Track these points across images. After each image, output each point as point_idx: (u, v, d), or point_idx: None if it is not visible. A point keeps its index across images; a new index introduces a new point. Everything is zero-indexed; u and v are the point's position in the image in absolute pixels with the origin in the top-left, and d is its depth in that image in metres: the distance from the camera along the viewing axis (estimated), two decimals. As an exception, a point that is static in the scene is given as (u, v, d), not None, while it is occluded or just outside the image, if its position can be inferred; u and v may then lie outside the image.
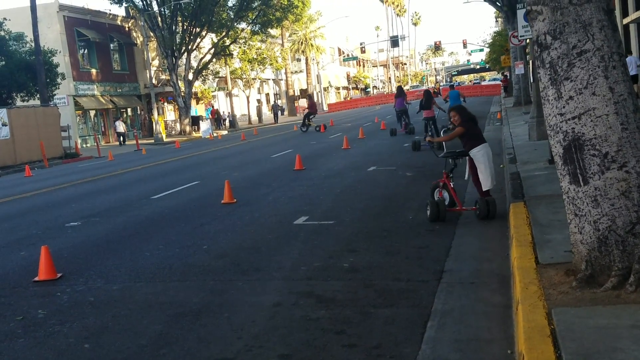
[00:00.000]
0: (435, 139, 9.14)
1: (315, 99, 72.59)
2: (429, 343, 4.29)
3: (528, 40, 18.55)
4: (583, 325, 3.70)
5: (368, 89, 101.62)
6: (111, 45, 43.31)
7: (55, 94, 32.95)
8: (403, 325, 4.65)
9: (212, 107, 51.52)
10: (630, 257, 4.22)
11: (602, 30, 4.29)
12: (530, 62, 21.21)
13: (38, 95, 31.16)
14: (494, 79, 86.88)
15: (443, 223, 7.86)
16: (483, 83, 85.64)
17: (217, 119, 50.04)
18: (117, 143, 38.38)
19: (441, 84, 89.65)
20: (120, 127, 38.82)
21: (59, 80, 33.15)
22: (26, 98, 31.93)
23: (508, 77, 45.07)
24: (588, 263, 4.40)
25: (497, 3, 30.11)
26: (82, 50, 40.82)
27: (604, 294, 4.12)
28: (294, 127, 39.12)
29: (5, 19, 31.57)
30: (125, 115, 44.63)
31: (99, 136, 39.26)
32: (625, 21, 23.38)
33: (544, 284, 4.52)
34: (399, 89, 24.51)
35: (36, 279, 6.82)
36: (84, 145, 37.87)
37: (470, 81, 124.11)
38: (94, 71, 41.04)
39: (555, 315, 3.89)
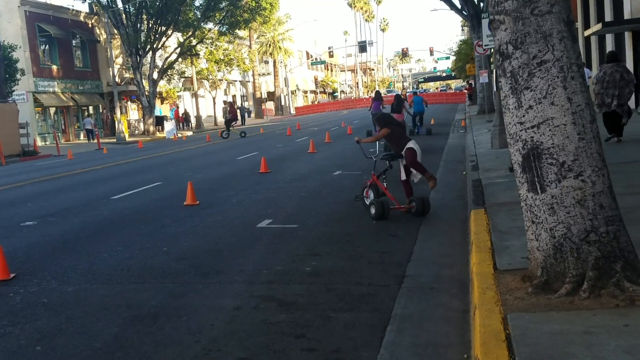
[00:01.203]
0: (363, 140, 9.53)
1: (283, 102, 72.74)
2: (388, 347, 4.30)
3: (492, 50, 18.91)
4: (537, 330, 3.75)
5: (336, 94, 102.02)
6: (73, 41, 42.50)
7: (14, 90, 32.15)
8: (363, 330, 4.65)
9: (177, 107, 50.93)
10: (584, 265, 4.31)
11: (562, 41, 4.38)
12: (495, 71, 21.67)
13: (-4, 91, 30.38)
14: (458, 88, 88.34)
15: (406, 228, 7.92)
16: (449, 91, 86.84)
17: (185, 120, 49.66)
18: (86, 140, 38.26)
19: (407, 90, 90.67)
20: (89, 124, 39.02)
21: (18, 76, 32.38)
22: (-16, 94, 31.08)
23: (473, 85, 45.79)
24: (544, 269, 4.47)
25: (464, 12, 30.57)
26: (43, 46, 39.97)
27: (558, 300, 4.19)
28: (261, 129, 38.99)
29: (-36, 12, 30.72)
30: (86, 113, 43.84)
31: (59, 134, 38.46)
32: (586, 33, 24.02)
33: (501, 290, 4.58)
34: (377, 93, 25.56)
35: (-12, 279, 6.62)
36: (43, 143, 37.05)
37: (437, 88, 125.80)
38: (54, 67, 40.20)
39: (510, 321, 3.94)
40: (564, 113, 4.35)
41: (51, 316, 5.40)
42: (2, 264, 6.67)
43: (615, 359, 3.30)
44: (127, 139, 37.90)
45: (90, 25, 44.12)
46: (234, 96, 65.36)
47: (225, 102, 34.52)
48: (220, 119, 54.43)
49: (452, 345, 4.29)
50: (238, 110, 41.03)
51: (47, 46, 40.41)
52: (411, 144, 8.81)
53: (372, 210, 8.57)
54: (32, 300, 5.91)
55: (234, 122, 31.63)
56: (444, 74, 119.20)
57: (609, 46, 22.71)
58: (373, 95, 26.23)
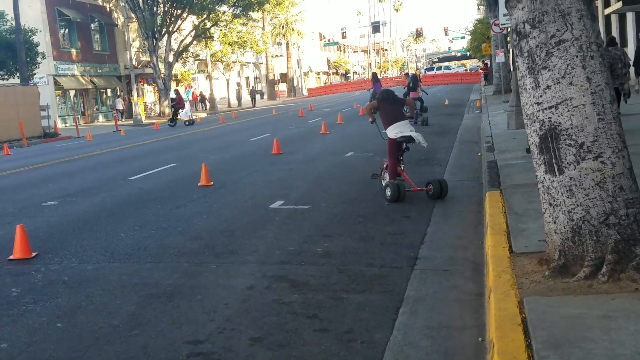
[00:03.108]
0: (370, 118, 9.29)
1: (295, 84, 72.48)
2: (401, 329, 4.30)
3: (509, 29, 18.64)
4: (554, 314, 3.72)
5: (348, 75, 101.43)
6: (92, 25, 42.68)
7: (35, 73, 32.50)
8: (375, 311, 4.65)
9: (192, 89, 51.14)
10: (603, 248, 4.25)
11: (581, 20, 4.29)
12: (511, 50, 21.48)
13: (18, 74, 30.66)
14: (473, 68, 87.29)
15: (419, 210, 7.89)
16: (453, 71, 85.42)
17: (201, 100, 50.00)
18: (106, 121, 39.67)
19: (421, 71, 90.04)
20: (120, 104, 40.21)
21: (39, 59, 32.61)
22: (6, 77, 31.42)
23: (489, 65, 45.27)
24: (561, 253, 4.43)
25: (480, -9, 30.14)
26: (63, 29, 40.23)
27: (576, 284, 4.15)
28: (273, 111, 38.95)
29: (-15, -4, 30.90)
30: (104, 96, 44.09)
31: (78, 116, 38.77)
32: (607, 11, 23.58)
33: (517, 273, 4.55)
34: (374, 75, 29.25)
35: (11, 257, 6.74)
36: (63, 125, 37.41)
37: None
38: (74, 51, 40.43)
39: (527, 304, 3.91)
40: (583, 93, 4.27)
41: (71, 294, 5.48)
42: (24, 243, 6.78)
43: (634, 343, 3.25)
44: (144, 121, 38.05)
45: (108, 9, 44.22)
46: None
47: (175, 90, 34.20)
48: (234, 100, 54.35)
49: (466, 327, 4.27)
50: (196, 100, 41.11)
51: (67, 30, 40.61)
52: (389, 129, 8.60)
53: (388, 192, 8.47)
54: (53, 278, 5.99)
55: (179, 111, 31.48)
56: (459, 54, 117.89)
57: (630, 25, 22.29)
58: (371, 77, 29.61)
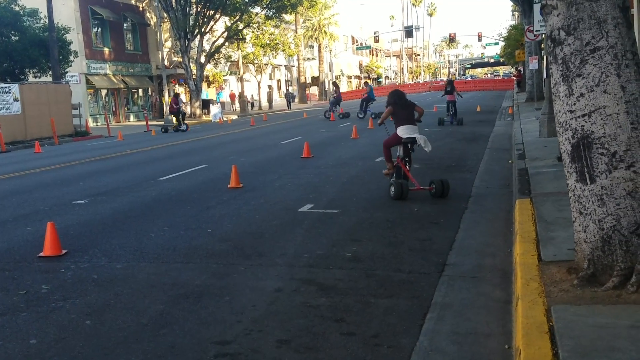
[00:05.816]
0: (379, 121, 9.86)
1: (327, 87, 72.63)
2: (427, 335, 4.30)
3: (543, 36, 18.43)
4: (582, 323, 3.69)
5: (380, 79, 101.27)
6: (124, 24, 43.28)
7: (67, 72, 32.95)
8: (402, 316, 4.66)
9: (224, 91, 51.91)
10: (633, 258, 4.20)
11: (616, 28, 4.24)
12: (545, 57, 21.29)
13: (50, 72, 31.13)
14: (506, 75, 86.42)
15: (448, 216, 7.86)
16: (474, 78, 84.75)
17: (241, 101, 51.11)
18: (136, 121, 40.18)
19: (455, 76, 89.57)
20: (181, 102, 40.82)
21: (71, 57, 33.13)
22: (38, 74, 31.94)
23: (522, 72, 44.78)
24: (590, 262, 4.38)
25: (514, -3, 29.82)
26: (96, 28, 40.84)
27: (605, 294, 4.11)
28: (304, 114, 39.10)
29: (20, -6, 31.57)
30: (136, 96, 44.69)
31: (110, 115, 39.42)
32: (643, 20, 23.11)
33: (545, 281, 4.51)
34: (335, 84, 34.41)
35: (41, 254, 6.88)
36: (95, 124, 38.02)
37: (485, 74, 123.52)
38: (106, 50, 41.07)
39: (554, 313, 3.88)
40: (617, 102, 4.22)
41: (100, 292, 5.58)
42: (55, 241, 6.91)
43: (662, 355, 3.22)
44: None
45: (141, 9, 44.85)
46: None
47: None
48: (265, 103, 54.71)
49: (493, 335, 4.25)
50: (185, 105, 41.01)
51: (100, 29, 41.27)
52: (399, 129, 9.10)
53: (392, 190, 8.94)
54: (82, 275, 6.11)
55: (180, 115, 31.00)
56: (492, 60, 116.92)
57: (668, 33, 21.81)
58: (332, 85, 35.00)
